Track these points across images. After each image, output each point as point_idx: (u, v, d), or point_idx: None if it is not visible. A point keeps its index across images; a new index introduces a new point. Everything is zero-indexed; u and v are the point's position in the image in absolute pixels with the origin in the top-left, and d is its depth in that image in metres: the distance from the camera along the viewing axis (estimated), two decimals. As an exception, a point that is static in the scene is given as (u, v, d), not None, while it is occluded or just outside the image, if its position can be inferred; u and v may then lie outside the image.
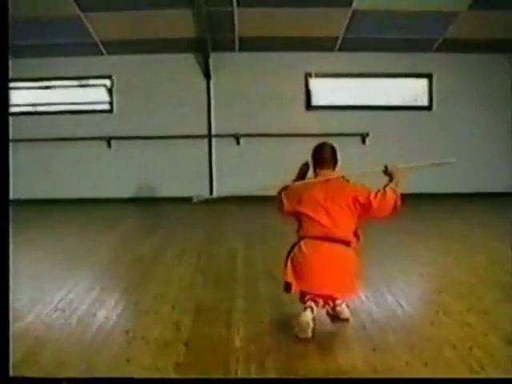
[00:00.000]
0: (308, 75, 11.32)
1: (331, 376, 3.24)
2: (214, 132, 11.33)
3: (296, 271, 3.82)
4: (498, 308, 4.38)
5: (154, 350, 3.60)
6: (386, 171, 3.99)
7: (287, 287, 3.87)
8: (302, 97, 11.42)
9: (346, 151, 11.32)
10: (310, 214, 3.87)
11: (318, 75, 11.26)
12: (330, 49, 11.01)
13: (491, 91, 11.32)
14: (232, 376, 3.23)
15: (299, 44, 10.73)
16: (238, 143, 11.29)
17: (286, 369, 3.32)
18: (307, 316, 3.73)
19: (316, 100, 11.47)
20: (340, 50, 11.05)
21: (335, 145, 4.16)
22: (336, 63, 11.24)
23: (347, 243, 3.83)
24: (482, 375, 3.19)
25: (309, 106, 11.44)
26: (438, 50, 10.99)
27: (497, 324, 4.01)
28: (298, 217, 3.97)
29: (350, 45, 10.82)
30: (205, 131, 11.30)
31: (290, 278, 3.83)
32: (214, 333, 3.91)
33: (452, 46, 10.74)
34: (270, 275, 5.03)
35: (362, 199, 3.83)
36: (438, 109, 11.45)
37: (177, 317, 4.25)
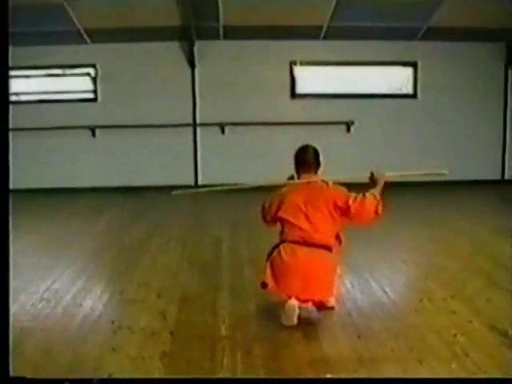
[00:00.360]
0: (293, 63, 11.29)
1: (316, 362, 3.26)
2: (198, 121, 11.26)
3: (275, 275, 3.84)
4: (482, 295, 4.42)
5: (139, 340, 3.61)
6: (371, 177, 4.00)
7: (263, 286, 3.89)
8: (287, 85, 11.37)
9: (331, 139, 11.26)
10: (291, 219, 3.88)
11: (302, 63, 11.23)
12: (315, 37, 10.97)
13: (476, 79, 11.34)
14: (217, 364, 3.24)
15: (284, 32, 10.67)
16: (223, 132, 11.24)
17: (271, 357, 3.33)
18: (293, 302, 3.78)
19: (301, 88, 11.43)
20: (325, 38, 11.01)
21: (318, 145, 4.14)
22: (321, 51, 11.19)
23: (328, 248, 3.83)
24: (466, 361, 3.22)
25: (294, 94, 11.40)
26: (423, 38, 10.98)
27: (481, 311, 4.05)
28: (280, 222, 3.99)
29: (334, 33, 10.78)
30: (190, 120, 11.24)
31: (269, 281, 3.84)
32: (200, 321, 3.92)
33: (437, 34, 10.74)
34: (254, 264, 5.03)
35: (340, 203, 3.83)
36: (423, 97, 11.46)
37: (162, 306, 4.25)
